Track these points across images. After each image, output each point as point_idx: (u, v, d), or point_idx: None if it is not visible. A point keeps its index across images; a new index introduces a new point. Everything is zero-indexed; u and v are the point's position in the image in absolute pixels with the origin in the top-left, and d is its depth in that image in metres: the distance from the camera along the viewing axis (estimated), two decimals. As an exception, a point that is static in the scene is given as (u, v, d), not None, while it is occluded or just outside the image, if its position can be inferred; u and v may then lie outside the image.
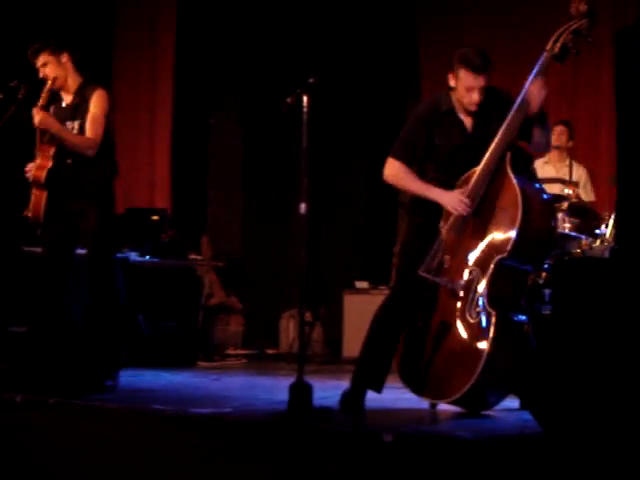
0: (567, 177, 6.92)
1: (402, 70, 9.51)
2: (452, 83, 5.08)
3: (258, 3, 9.85)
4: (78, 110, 5.82)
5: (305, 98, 4.90)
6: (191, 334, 8.40)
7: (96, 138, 5.78)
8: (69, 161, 5.80)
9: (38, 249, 6.24)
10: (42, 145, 5.80)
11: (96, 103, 5.80)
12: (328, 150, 9.30)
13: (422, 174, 5.16)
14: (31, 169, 5.81)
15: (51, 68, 5.84)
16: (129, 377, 6.56)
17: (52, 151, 5.77)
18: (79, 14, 9.44)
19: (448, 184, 5.09)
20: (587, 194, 7.11)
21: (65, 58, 5.88)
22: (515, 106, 4.97)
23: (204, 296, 8.98)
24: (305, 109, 4.90)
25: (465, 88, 5.01)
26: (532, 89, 4.94)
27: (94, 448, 4.75)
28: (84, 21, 9.46)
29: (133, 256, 8.19)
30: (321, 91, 4.93)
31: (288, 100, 4.92)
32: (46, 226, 5.84)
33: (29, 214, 5.82)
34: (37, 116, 5.72)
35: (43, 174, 5.74)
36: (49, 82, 5.81)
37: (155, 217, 8.73)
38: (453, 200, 5.01)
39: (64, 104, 5.89)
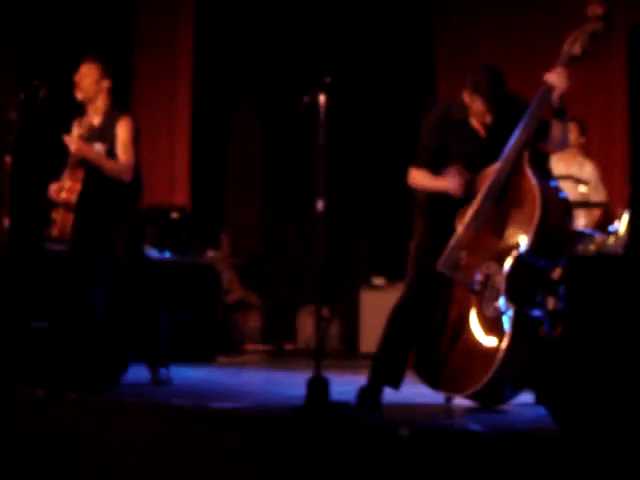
0: (578, 174, 6.92)
1: (418, 68, 9.50)
2: (467, 100, 5.12)
3: (276, 3, 9.87)
4: (105, 133, 5.89)
5: (322, 97, 4.94)
6: (210, 330, 8.43)
7: (130, 163, 5.89)
8: (97, 183, 5.87)
9: (59, 246, 6.31)
10: (73, 167, 5.86)
11: (124, 130, 5.90)
12: (344, 148, 9.32)
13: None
14: (58, 190, 5.87)
15: (87, 82, 5.90)
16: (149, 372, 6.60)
17: (82, 173, 5.84)
18: (101, 15, 9.49)
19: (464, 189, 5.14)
20: (597, 193, 7.10)
21: (106, 84, 5.95)
22: (536, 100, 4.99)
23: (223, 292, 9.02)
24: (322, 108, 4.94)
25: (479, 111, 5.08)
26: (553, 77, 4.95)
27: (114, 443, 4.79)
28: (105, 22, 9.49)
29: (153, 253, 8.24)
30: (338, 89, 4.97)
31: (305, 99, 4.96)
32: (74, 235, 5.91)
33: (55, 233, 5.88)
34: (74, 144, 5.77)
35: (74, 197, 5.81)
36: (80, 97, 5.90)
37: (174, 214, 8.77)
38: (449, 184, 5.07)
39: (91, 124, 5.94)
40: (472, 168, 5.13)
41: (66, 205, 5.82)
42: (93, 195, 5.87)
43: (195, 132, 9.91)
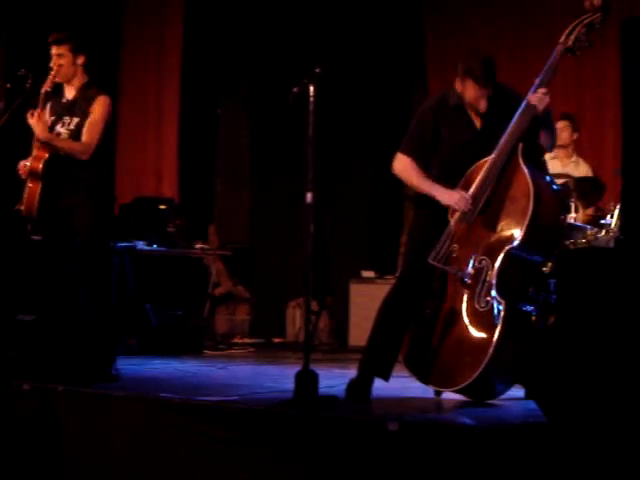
0: (573, 173, 6.92)
1: (409, 58, 9.49)
2: (459, 88, 5.10)
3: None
4: (77, 107, 5.85)
5: (312, 88, 4.91)
6: (198, 323, 8.42)
7: (91, 143, 5.81)
8: (65, 154, 5.83)
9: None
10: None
11: (98, 109, 5.85)
12: (335, 140, 9.30)
13: (427, 167, 5.20)
14: (25, 164, 5.85)
15: (63, 62, 5.88)
16: (136, 365, 6.59)
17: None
18: (88, 5, 9.45)
19: (453, 178, 5.12)
20: None
21: (81, 60, 5.93)
22: (520, 109, 5.01)
23: (211, 285, 9.00)
24: (312, 99, 4.91)
25: (472, 97, 5.06)
26: (533, 99, 4.99)
27: (102, 435, 4.78)
28: (92, 12, 9.46)
29: (140, 245, 8.21)
30: (328, 81, 4.94)
31: (295, 90, 4.93)
32: (41, 219, 5.85)
33: (22, 207, 5.85)
34: (42, 135, 5.74)
35: (40, 165, 5.76)
36: (47, 81, 5.86)
37: (162, 206, 8.74)
38: (453, 198, 5.05)
39: (64, 100, 5.93)
40: (465, 158, 5.11)
41: (33, 173, 5.77)
42: (59, 166, 5.81)
43: (183, 124, 9.89)
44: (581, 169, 7.11)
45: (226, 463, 4.36)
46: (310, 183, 4.91)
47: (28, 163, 5.79)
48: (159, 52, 10.00)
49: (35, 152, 5.79)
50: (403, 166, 5.21)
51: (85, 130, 5.82)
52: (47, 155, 5.77)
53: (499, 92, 5.09)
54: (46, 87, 5.83)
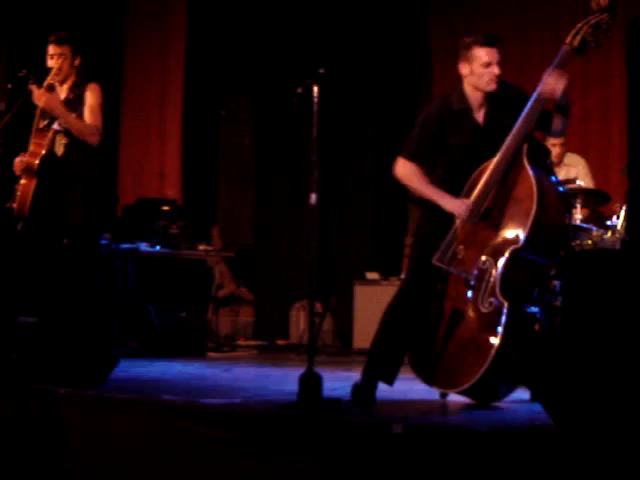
0: (568, 176, 6.88)
1: (414, 59, 9.48)
2: (465, 71, 5.05)
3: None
4: (72, 104, 5.90)
5: (315, 88, 4.89)
6: (201, 325, 8.40)
7: (98, 125, 5.90)
8: (61, 153, 5.84)
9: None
10: (38, 132, 5.84)
11: (93, 95, 5.93)
12: (339, 140, 9.28)
13: (432, 170, 5.17)
14: (22, 159, 5.86)
15: (61, 61, 5.93)
16: (139, 367, 6.57)
17: (47, 139, 5.82)
18: (91, 6, 9.44)
19: (458, 180, 5.09)
20: (586, 184, 7.03)
21: (77, 62, 6.04)
22: (533, 98, 4.97)
23: (214, 287, 8.98)
24: (315, 99, 4.89)
25: (482, 65, 5.00)
26: (549, 80, 4.93)
27: (104, 438, 4.76)
28: (95, 12, 9.45)
29: (143, 246, 8.20)
30: (331, 82, 4.92)
31: (298, 90, 4.91)
32: (32, 217, 5.86)
33: (14, 205, 5.85)
34: (43, 97, 5.77)
35: (36, 161, 5.78)
36: (54, 71, 5.89)
37: (165, 207, 8.73)
38: (455, 206, 5.03)
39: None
40: (470, 159, 5.08)
41: (28, 169, 5.78)
42: (55, 165, 5.82)
43: (187, 125, 9.88)
44: (571, 161, 7.08)
45: (229, 466, 4.34)
46: (314, 184, 4.88)
47: (26, 156, 5.81)
48: (162, 52, 9.99)
49: (32, 148, 5.82)
50: (407, 173, 5.18)
51: (87, 115, 5.90)
52: (44, 151, 5.78)
53: (502, 90, 5.06)
54: (48, 82, 5.86)
